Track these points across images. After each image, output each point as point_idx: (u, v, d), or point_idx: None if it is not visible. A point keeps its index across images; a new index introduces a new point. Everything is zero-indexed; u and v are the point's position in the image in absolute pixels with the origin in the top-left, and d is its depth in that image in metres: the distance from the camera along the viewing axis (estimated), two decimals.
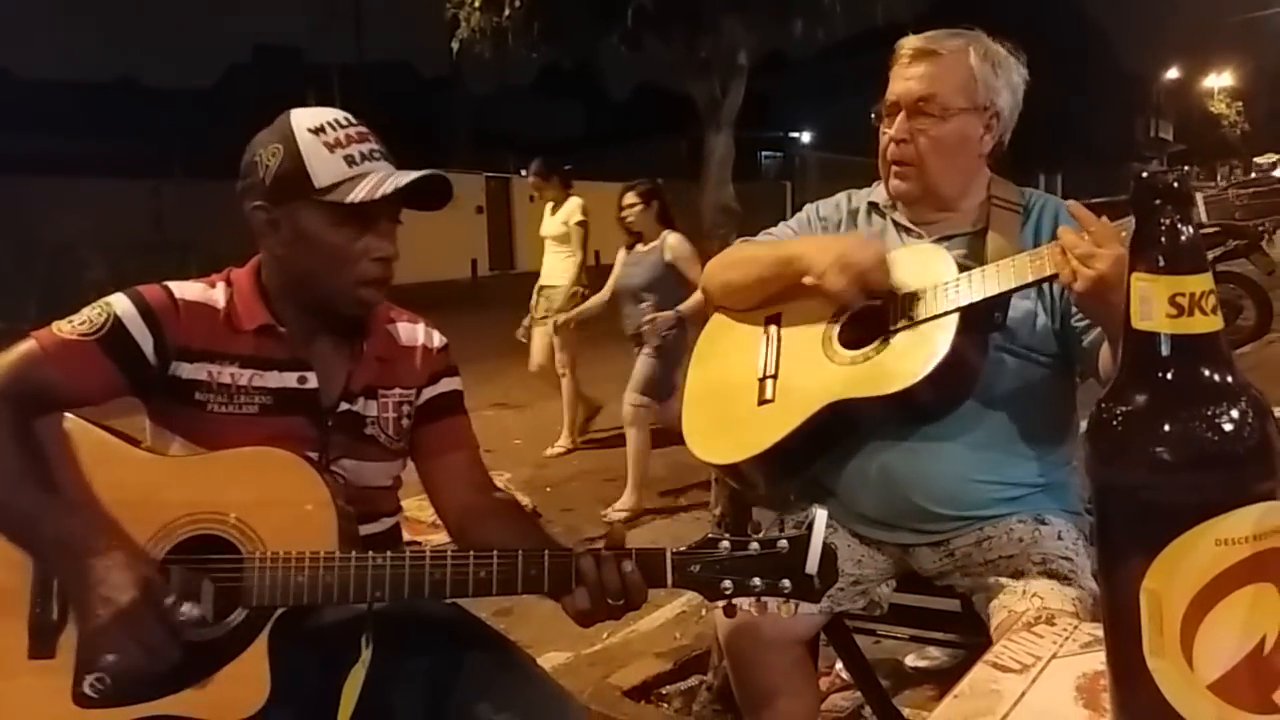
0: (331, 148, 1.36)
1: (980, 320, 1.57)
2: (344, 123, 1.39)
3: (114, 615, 1.18)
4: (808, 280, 1.66)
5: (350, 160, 1.36)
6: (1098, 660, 0.97)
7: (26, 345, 1.32)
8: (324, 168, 1.35)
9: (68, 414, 1.35)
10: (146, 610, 1.18)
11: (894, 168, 1.75)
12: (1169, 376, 0.71)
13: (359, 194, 1.34)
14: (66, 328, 1.34)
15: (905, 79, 1.71)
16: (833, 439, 1.67)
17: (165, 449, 1.40)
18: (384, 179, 1.35)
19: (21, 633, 1.26)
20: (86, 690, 1.25)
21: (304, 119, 1.39)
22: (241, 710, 1.25)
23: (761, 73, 2.68)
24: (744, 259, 1.85)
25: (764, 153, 30.40)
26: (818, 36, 2.95)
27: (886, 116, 1.75)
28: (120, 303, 1.36)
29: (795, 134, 32.77)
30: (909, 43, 1.73)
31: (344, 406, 1.45)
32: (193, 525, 1.29)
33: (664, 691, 2.69)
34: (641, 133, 32.11)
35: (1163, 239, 0.72)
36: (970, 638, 1.72)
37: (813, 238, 1.79)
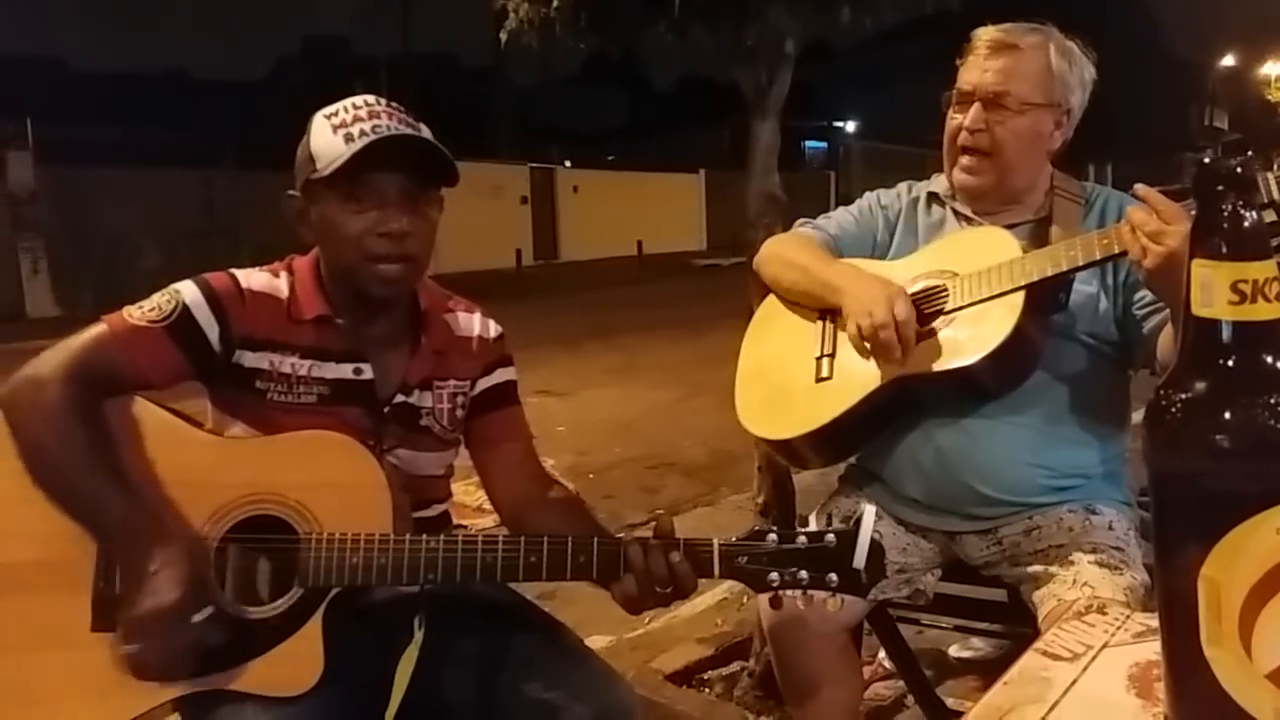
0: (335, 129, 1.36)
1: (1045, 300, 1.56)
2: (360, 104, 1.38)
3: (151, 608, 1.20)
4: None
5: (349, 138, 1.34)
6: (1151, 650, 0.96)
7: (97, 329, 1.35)
8: (325, 148, 1.36)
9: (135, 397, 1.37)
10: (177, 614, 1.20)
11: (963, 159, 1.74)
12: (1230, 363, 0.71)
13: (334, 164, 1.34)
14: (136, 314, 1.36)
15: (983, 70, 1.70)
16: (890, 417, 1.66)
17: (226, 432, 1.42)
18: (362, 147, 1.33)
19: (85, 606, 1.29)
20: None
21: (332, 106, 1.39)
22: (294, 687, 1.28)
23: (806, 61, 2.66)
24: (794, 264, 1.83)
25: (808, 142, 30.09)
26: (865, 24, 2.90)
27: (958, 104, 1.73)
28: (189, 290, 1.38)
29: (840, 123, 32.37)
30: (987, 34, 1.72)
31: (400, 398, 1.46)
32: (251, 505, 1.32)
33: (706, 676, 2.69)
34: (685, 123, 32.00)
35: (1225, 225, 0.71)
36: (1015, 628, 1.71)
37: (855, 273, 1.72)
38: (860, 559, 1.23)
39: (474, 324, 1.57)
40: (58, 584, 1.29)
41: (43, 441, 1.28)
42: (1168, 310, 1.49)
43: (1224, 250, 0.71)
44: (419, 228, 1.39)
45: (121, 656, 1.23)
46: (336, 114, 1.38)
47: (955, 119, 1.74)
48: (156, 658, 1.22)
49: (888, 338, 1.56)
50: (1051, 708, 0.89)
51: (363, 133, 1.35)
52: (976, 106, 1.70)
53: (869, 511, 1.25)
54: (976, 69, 1.71)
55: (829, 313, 1.76)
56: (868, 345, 1.60)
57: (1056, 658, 0.99)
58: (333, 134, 1.36)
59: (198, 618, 1.23)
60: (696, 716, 2.45)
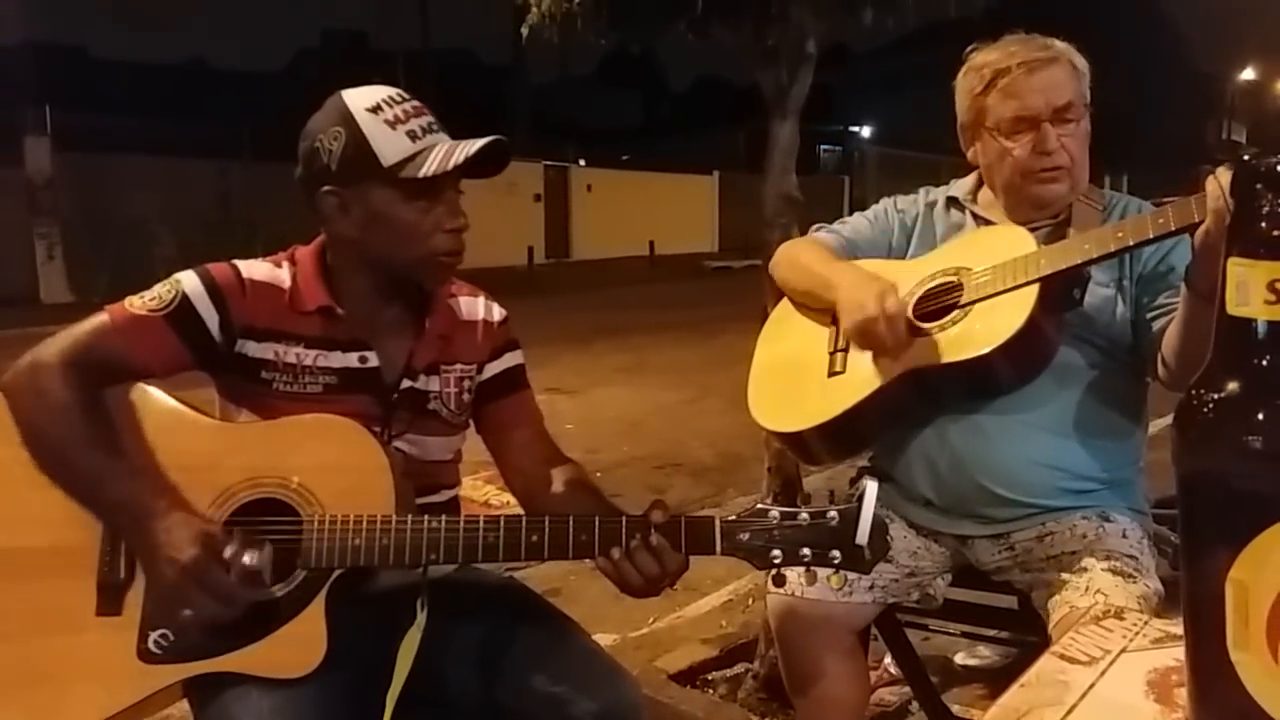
0: (393, 125, 1.36)
1: (1059, 295, 1.55)
2: (398, 99, 1.40)
3: (180, 571, 1.22)
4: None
5: (413, 135, 1.37)
6: (1170, 656, 0.95)
7: (99, 318, 1.36)
8: (389, 145, 1.36)
9: (137, 384, 1.38)
10: (209, 563, 1.22)
11: (1043, 175, 1.67)
12: (1264, 363, 0.69)
13: (430, 167, 1.34)
14: (138, 303, 1.37)
15: (1036, 90, 1.64)
16: (902, 411, 1.64)
17: (233, 421, 1.42)
18: (451, 150, 1.36)
19: (90, 590, 1.29)
20: (151, 646, 1.28)
21: (359, 99, 1.39)
22: (298, 668, 1.27)
23: (823, 65, 2.64)
24: (799, 264, 1.84)
25: (823, 146, 30.00)
26: (888, 25, 2.88)
27: (1012, 133, 1.66)
28: (189, 280, 1.39)
29: (855, 128, 32.26)
30: (1021, 54, 1.66)
31: (406, 384, 1.46)
32: (254, 489, 1.32)
33: (710, 677, 2.68)
34: (700, 124, 31.98)
35: (1263, 224, 0.70)
36: (1025, 635, 1.69)
37: (851, 270, 1.71)
38: (863, 535, 1.22)
39: (478, 308, 1.57)
40: (63, 569, 1.29)
41: (44, 425, 1.29)
42: (1174, 313, 1.48)
43: (1261, 249, 0.69)
44: (466, 220, 1.43)
45: (180, 618, 1.25)
46: (380, 109, 1.37)
47: (1016, 148, 1.66)
48: (211, 607, 1.24)
49: (877, 331, 1.55)
50: (1069, 711, 0.88)
51: (424, 130, 1.38)
52: (1046, 127, 1.64)
53: (871, 487, 1.24)
54: (1029, 92, 1.64)
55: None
56: (861, 340, 1.60)
57: (1074, 661, 0.98)
58: (391, 130, 1.36)
59: (227, 554, 1.24)
60: (700, 717, 2.44)
